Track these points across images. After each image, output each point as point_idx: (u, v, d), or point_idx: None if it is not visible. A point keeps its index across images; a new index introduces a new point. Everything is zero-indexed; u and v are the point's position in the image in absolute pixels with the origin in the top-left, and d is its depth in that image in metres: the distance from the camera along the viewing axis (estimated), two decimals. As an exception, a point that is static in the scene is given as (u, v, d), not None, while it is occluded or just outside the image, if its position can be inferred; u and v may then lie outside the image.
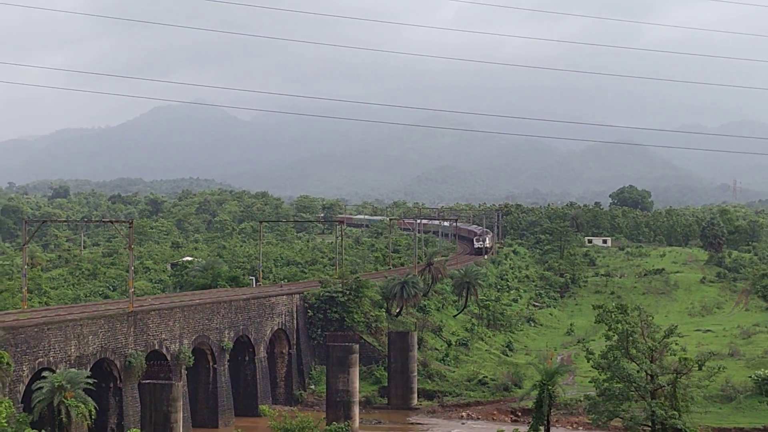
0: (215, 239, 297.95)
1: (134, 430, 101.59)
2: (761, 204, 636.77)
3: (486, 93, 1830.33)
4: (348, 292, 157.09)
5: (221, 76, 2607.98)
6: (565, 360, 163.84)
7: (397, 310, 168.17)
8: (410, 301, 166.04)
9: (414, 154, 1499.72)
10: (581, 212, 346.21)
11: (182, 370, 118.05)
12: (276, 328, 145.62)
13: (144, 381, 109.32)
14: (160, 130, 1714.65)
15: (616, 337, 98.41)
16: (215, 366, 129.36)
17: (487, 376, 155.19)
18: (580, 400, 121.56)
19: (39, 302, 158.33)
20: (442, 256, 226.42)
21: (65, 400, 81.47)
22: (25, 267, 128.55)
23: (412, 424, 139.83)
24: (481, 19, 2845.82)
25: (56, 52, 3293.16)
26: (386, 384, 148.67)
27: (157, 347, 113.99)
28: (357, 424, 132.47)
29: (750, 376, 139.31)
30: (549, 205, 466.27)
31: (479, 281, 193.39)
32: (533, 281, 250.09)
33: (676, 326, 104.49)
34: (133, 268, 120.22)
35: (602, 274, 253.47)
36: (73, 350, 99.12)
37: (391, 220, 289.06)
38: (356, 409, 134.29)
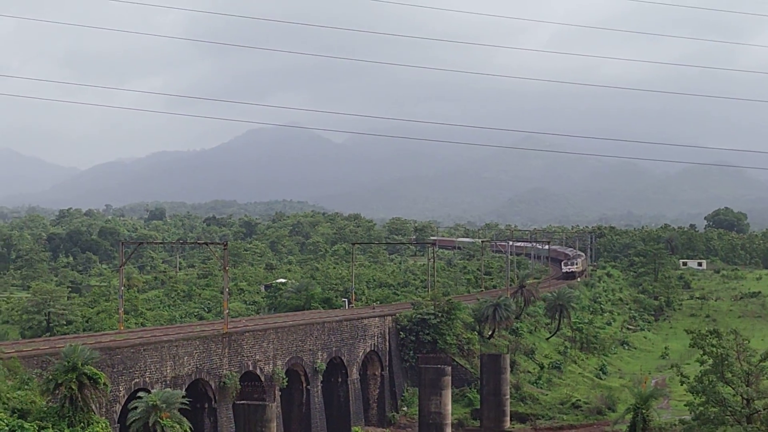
0: (308, 261, 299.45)
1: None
2: None
3: (581, 115, 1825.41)
4: (440, 314, 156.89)
5: (314, 98, 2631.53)
6: (660, 383, 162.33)
7: (490, 333, 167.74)
8: (502, 323, 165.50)
9: (506, 176, 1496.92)
10: (676, 234, 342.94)
11: (276, 391, 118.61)
12: (369, 349, 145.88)
13: (238, 402, 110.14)
14: (254, 153, 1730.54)
15: (710, 361, 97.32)
16: (308, 387, 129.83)
17: (580, 400, 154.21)
18: (675, 424, 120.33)
19: (135, 323, 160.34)
20: (535, 278, 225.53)
21: (161, 420, 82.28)
22: (122, 288, 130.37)
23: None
24: (577, 41, 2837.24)
25: (154, 76, 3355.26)
26: (479, 406, 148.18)
27: (251, 368, 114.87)
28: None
29: None
30: (643, 227, 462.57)
31: (572, 304, 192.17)
32: (627, 304, 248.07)
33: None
34: (227, 289, 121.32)
35: (697, 297, 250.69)
36: (168, 371, 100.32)
37: (483, 242, 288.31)
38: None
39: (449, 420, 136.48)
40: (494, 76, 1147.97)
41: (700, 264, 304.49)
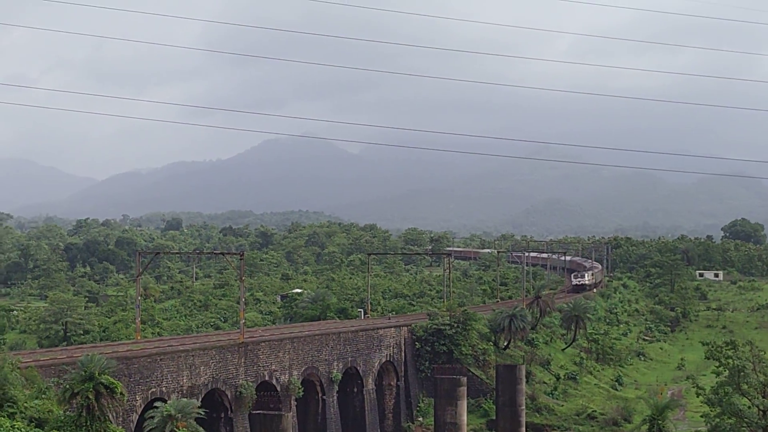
0: (324, 271, 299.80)
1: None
2: None
3: (597, 125, 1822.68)
4: (456, 325, 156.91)
5: (332, 109, 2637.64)
6: (676, 395, 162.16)
7: (505, 343, 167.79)
8: (518, 334, 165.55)
9: (522, 187, 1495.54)
10: (692, 245, 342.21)
11: (292, 401, 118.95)
12: (384, 360, 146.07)
13: (254, 411, 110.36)
14: (271, 163, 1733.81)
15: (726, 372, 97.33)
16: (324, 397, 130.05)
17: (596, 411, 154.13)
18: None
19: (152, 333, 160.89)
20: (551, 289, 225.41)
21: (177, 430, 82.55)
22: (139, 298, 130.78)
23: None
24: (595, 51, 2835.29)
25: (173, 86, 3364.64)
26: (494, 417, 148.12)
27: (267, 378, 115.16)
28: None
29: None
30: (659, 238, 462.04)
31: (588, 315, 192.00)
32: (643, 315, 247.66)
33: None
34: (243, 299, 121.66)
35: (714, 308, 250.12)
36: (185, 380, 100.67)
37: (498, 252, 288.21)
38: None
39: (465, 430, 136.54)
40: (512, 87, 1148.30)
41: (716, 275, 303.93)
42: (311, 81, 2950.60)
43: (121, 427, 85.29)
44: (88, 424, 74.91)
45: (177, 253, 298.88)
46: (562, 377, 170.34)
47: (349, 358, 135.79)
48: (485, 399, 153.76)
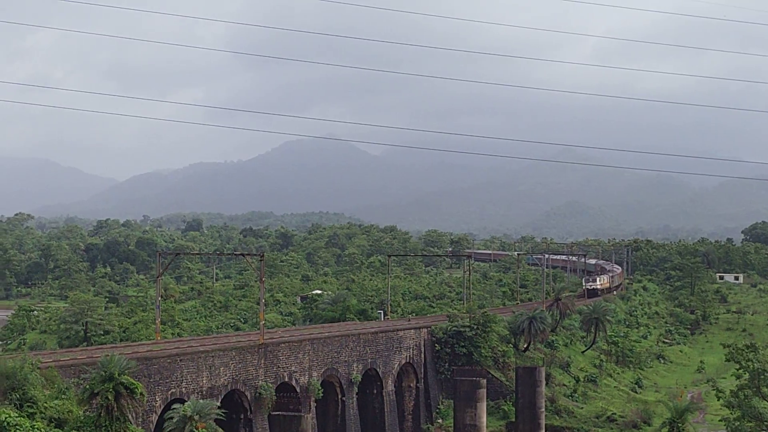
0: (344, 273, 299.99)
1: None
2: None
3: (619, 128, 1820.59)
4: (476, 327, 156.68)
5: (354, 110, 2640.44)
6: (695, 398, 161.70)
7: (525, 346, 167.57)
8: (538, 336, 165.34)
9: (543, 189, 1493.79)
10: (713, 248, 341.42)
11: (311, 403, 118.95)
12: (404, 361, 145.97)
13: (274, 413, 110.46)
14: (291, 165, 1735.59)
15: (747, 375, 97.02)
16: (344, 399, 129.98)
17: (615, 413, 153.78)
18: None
19: (172, 333, 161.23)
20: (570, 291, 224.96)
21: (196, 430, 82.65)
22: (159, 299, 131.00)
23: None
24: (618, 54, 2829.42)
25: (195, 88, 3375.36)
26: (514, 419, 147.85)
27: (286, 379, 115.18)
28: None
29: None
30: (680, 241, 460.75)
31: (608, 317, 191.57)
32: (663, 318, 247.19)
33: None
34: (263, 300, 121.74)
35: (734, 311, 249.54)
36: (204, 381, 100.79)
37: (518, 255, 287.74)
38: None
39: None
40: (535, 90, 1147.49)
41: (736, 278, 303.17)
42: (334, 83, 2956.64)
43: (140, 427, 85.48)
44: (108, 424, 75.07)
45: (197, 254, 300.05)
46: (582, 380, 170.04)
47: (369, 360, 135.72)
48: (505, 401, 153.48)
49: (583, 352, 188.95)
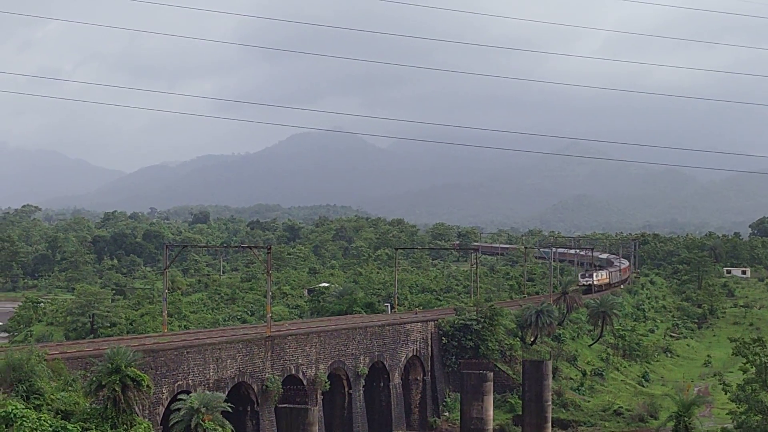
0: (351, 266, 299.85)
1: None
2: None
3: (627, 121, 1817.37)
4: (483, 320, 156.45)
5: (363, 104, 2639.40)
6: (702, 392, 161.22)
7: (532, 339, 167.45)
8: (545, 329, 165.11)
9: (550, 183, 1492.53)
10: (720, 242, 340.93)
11: (318, 395, 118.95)
12: (411, 354, 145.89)
13: (280, 405, 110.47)
14: (299, 157, 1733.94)
15: (754, 369, 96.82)
16: (350, 391, 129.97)
17: (622, 407, 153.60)
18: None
19: (179, 326, 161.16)
20: (577, 285, 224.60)
21: (203, 423, 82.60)
22: (166, 291, 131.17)
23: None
24: (629, 47, 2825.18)
25: (205, 80, 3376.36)
26: (520, 413, 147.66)
27: (293, 372, 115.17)
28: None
29: None
30: (687, 235, 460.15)
31: (615, 311, 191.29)
32: (670, 311, 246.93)
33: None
34: (270, 293, 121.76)
35: (741, 306, 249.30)
36: (211, 373, 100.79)
37: (526, 248, 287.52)
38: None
39: (491, 426, 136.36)
40: (544, 83, 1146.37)
41: (744, 272, 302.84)
42: (343, 76, 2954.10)
43: (147, 419, 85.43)
44: (115, 416, 75.05)
45: (204, 246, 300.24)
46: (589, 373, 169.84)
47: (376, 353, 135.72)
48: (511, 394, 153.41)
49: (590, 345, 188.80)
